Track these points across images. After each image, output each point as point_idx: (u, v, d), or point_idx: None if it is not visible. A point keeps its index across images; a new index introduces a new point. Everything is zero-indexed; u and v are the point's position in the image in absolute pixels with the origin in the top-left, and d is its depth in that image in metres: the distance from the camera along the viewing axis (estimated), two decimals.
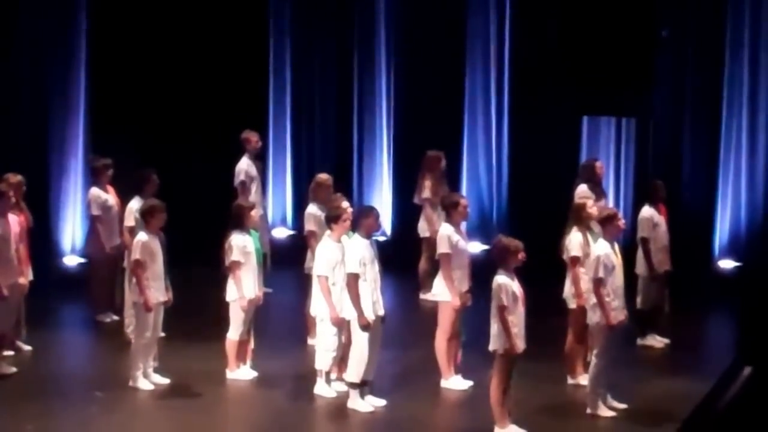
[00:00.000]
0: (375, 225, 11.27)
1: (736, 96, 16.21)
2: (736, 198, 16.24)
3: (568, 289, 11.83)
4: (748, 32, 16.10)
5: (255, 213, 12.24)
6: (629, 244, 13.28)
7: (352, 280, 11.05)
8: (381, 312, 11.21)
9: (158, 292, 11.71)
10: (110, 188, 14.00)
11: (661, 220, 13.39)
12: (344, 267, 11.21)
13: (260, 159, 15.77)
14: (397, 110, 17.66)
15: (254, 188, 15.17)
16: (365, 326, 11.05)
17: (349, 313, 11.19)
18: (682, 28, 16.32)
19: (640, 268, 13.28)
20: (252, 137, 15.38)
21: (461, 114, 17.29)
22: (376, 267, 11.18)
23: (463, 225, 12.05)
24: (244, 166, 15.20)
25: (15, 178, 12.72)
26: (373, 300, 11.12)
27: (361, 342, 11.13)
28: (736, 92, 16.20)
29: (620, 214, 11.48)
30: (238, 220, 11.89)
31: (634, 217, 13.70)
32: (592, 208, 11.89)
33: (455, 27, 17.21)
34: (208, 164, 16.84)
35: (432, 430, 11.39)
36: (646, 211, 13.41)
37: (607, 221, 11.26)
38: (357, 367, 11.16)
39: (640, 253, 13.31)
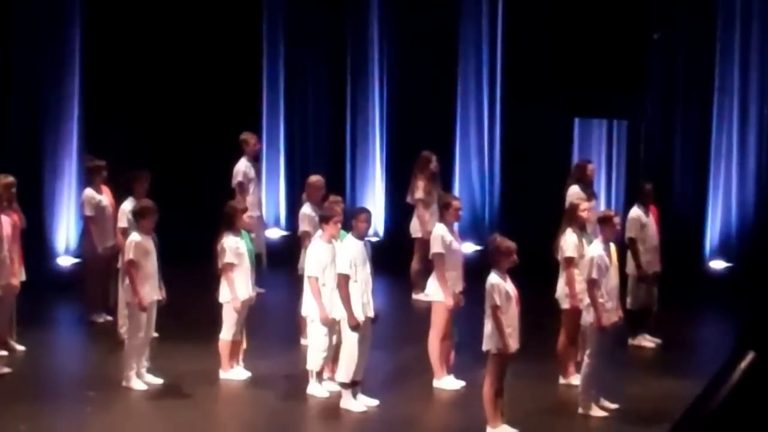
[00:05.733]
0: (365, 227, 11.30)
1: (726, 98, 16.26)
2: (726, 199, 16.30)
3: (560, 289, 11.87)
4: (738, 34, 16.16)
5: (248, 216, 12.27)
6: (619, 244, 13.32)
7: (343, 280, 11.08)
8: (371, 313, 11.23)
9: (152, 291, 11.74)
10: (105, 189, 14.02)
11: (649, 220, 13.45)
12: (335, 268, 11.26)
13: (258, 160, 15.82)
14: (390, 111, 17.70)
15: (252, 189, 15.23)
16: (355, 327, 11.09)
17: (339, 314, 11.23)
18: (673, 31, 16.37)
19: (630, 268, 13.35)
20: (251, 139, 15.43)
21: (453, 115, 17.32)
22: (368, 268, 11.21)
23: (456, 226, 12.09)
24: (243, 167, 15.25)
25: (5, 179, 12.69)
26: (363, 301, 11.15)
27: (350, 342, 11.17)
28: (727, 94, 16.26)
29: (617, 217, 11.51)
30: (230, 222, 11.92)
31: (624, 218, 13.75)
32: (584, 212, 11.92)
33: (447, 29, 17.24)
34: (202, 165, 16.86)
35: (424, 429, 11.43)
36: (634, 211, 13.51)
37: (603, 222, 11.32)
38: (347, 367, 11.20)
39: (630, 254, 13.38)
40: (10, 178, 12.73)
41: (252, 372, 12.11)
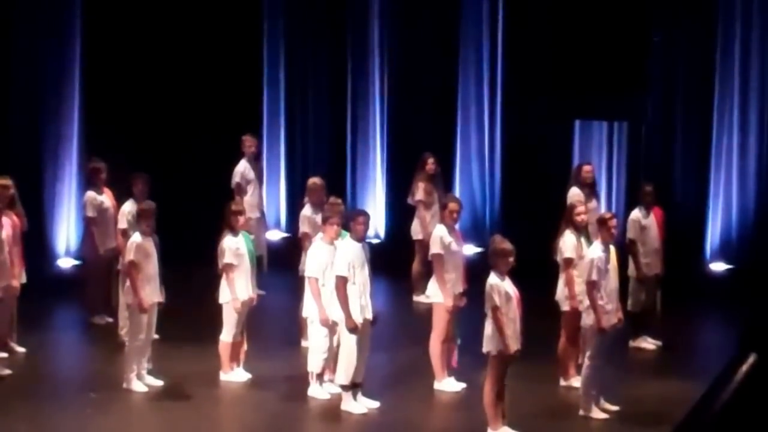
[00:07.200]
0: (363, 229, 11.28)
1: (727, 100, 16.27)
2: (727, 201, 16.30)
3: (560, 290, 11.86)
4: (738, 37, 16.17)
5: (245, 217, 12.25)
6: (619, 246, 13.32)
7: (340, 283, 11.08)
8: (369, 315, 11.22)
9: (152, 293, 11.74)
10: (107, 191, 14.04)
11: (650, 222, 13.46)
12: (333, 269, 11.26)
13: (259, 162, 15.84)
14: (391, 113, 17.71)
15: (251, 190, 15.30)
16: (353, 329, 11.08)
17: (337, 315, 11.23)
18: (673, 33, 16.38)
19: (631, 270, 13.36)
20: (247, 141, 15.51)
21: (454, 117, 17.34)
22: (366, 270, 11.21)
23: (457, 227, 12.09)
24: (241, 168, 15.35)
25: (0, 181, 12.60)
26: (362, 304, 11.15)
27: (349, 344, 11.17)
28: (727, 96, 16.27)
29: (614, 219, 11.48)
30: (228, 223, 11.93)
31: (625, 220, 13.78)
32: (580, 215, 11.91)
33: (448, 31, 17.25)
34: (202, 167, 16.88)
35: (425, 431, 11.43)
36: (635, 213, 13.54)
37: (599, 224, 11.33)
38: (346, 369, 11.20)
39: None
40: (6, 181, 12.60)
41: (252, 373, 12.11)
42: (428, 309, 12.11)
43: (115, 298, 13.34)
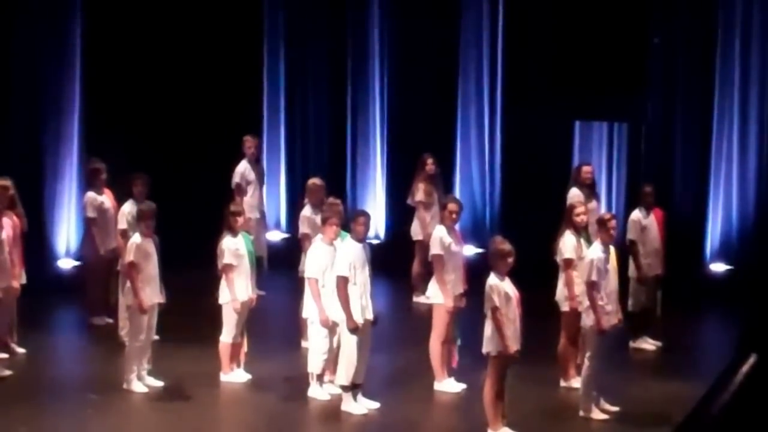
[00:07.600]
0: (363, 230, 11.28)
1: (727, 101, 16.27)
2: (727, 202, 16.30)
3: (560, 291, 11.86)
4: (738, 38, 16.17)
5: (244, 218, 12.24)
6: (620, 247, 13.32)
7: (341, 283, 11.08)
8: (369, 316, 11.22)
9: (152, 293, 11.74)
10: (107, 191, 14.04)
11: (650, 223, 13.46)
12: (334, 270, 11.26)
13: (259, 162, 15.85)
14: (391, 114, 17.71)
15: (251, 191, 15.32)
16: (353, 329, 11.08)
17: (337, 316, 11.23)
18: (673, 35, 16.38)
19: (631, 270, 13.36)
20: (247, 141, 15.53)
21: (454, 118, 17.34)
22: (367, 271, 11.21)
23: (457, 227, 12.09)
24: (242, 168, 15.39)
25: (1, 182, 12.58)
26: (362, 304, 11.15)
27: (350, 345, 11.17)
28: (727, 97, 16.27)
29: (613, 220, 11.46)
30: (228, 224, 11.93)
31: (625, 221, 13.78)
32: (580, 215, 11.90)
33: (448, 32, 17.25)
34: (202, 168, 16.88)
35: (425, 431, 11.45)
36: (635, 214, 13.54)
37: (600, 225, 11.32)
38: (347, 370, 11.20)
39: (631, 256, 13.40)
40: (6, 182, 12.57)
41: (252, 374, 12.11)
42: (428, 310, 12.11)
43: (115, 298, 13.34)
